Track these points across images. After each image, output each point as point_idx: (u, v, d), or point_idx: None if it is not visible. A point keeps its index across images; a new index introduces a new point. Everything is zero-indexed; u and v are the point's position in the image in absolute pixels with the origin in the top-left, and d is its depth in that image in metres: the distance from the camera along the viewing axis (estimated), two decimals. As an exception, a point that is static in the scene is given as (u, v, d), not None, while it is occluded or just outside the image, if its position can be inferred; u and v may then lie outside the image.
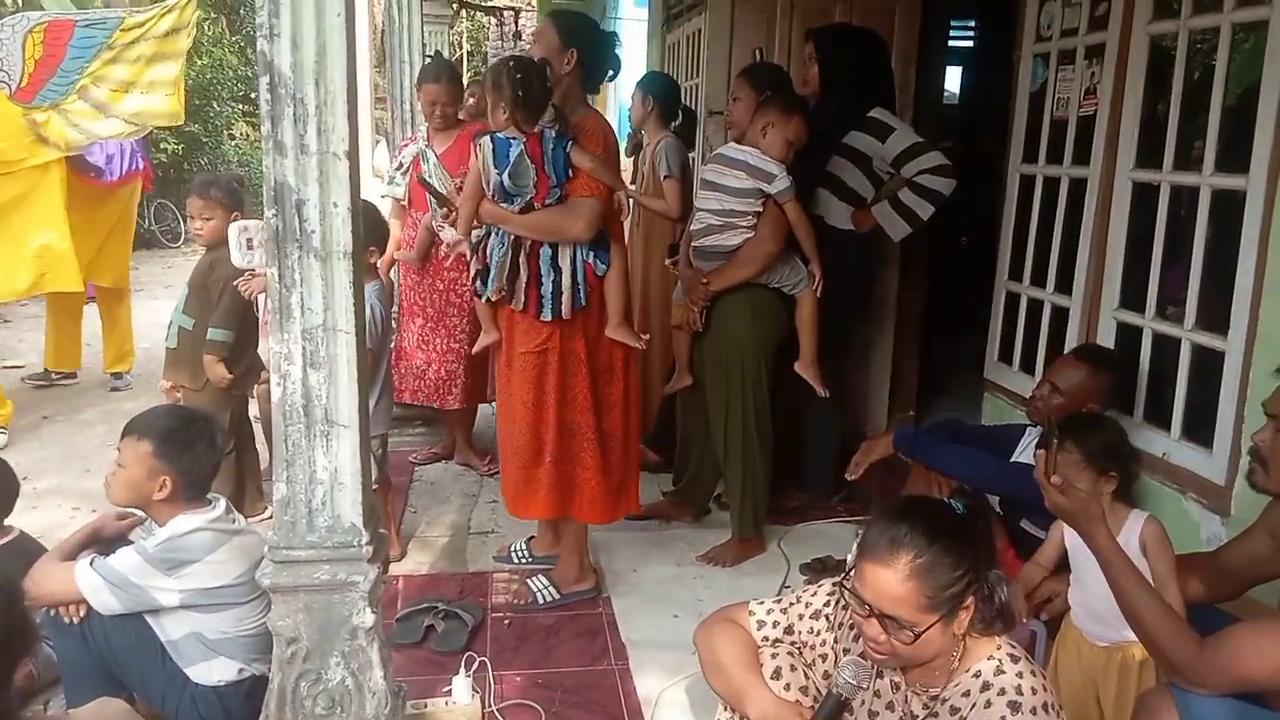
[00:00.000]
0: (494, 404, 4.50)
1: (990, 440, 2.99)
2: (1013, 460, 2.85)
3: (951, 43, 6.64)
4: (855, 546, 1.70)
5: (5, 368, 6.43)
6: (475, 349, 3.46)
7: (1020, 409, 3.42)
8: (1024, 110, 3.77)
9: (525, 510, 3.07)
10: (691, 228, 3.39)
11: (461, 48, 20.31)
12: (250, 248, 3.20)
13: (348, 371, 1.97)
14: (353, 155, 1.93)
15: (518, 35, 13.04)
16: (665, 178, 4.08)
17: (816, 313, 3.31)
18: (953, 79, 8.10)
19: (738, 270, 3.20)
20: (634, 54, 5.27)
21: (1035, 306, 3.69)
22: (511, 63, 2.76)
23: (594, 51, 2.93)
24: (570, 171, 2.75)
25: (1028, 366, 3.71)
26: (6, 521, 2.74)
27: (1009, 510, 2.85)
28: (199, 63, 13.17)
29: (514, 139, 2.73)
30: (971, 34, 7.86)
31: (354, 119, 1.94)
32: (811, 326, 3.31)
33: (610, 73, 3.03)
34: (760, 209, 3.17)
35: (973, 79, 8.15)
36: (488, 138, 2.79)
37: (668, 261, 3.90)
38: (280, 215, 1.90)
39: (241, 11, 15.38)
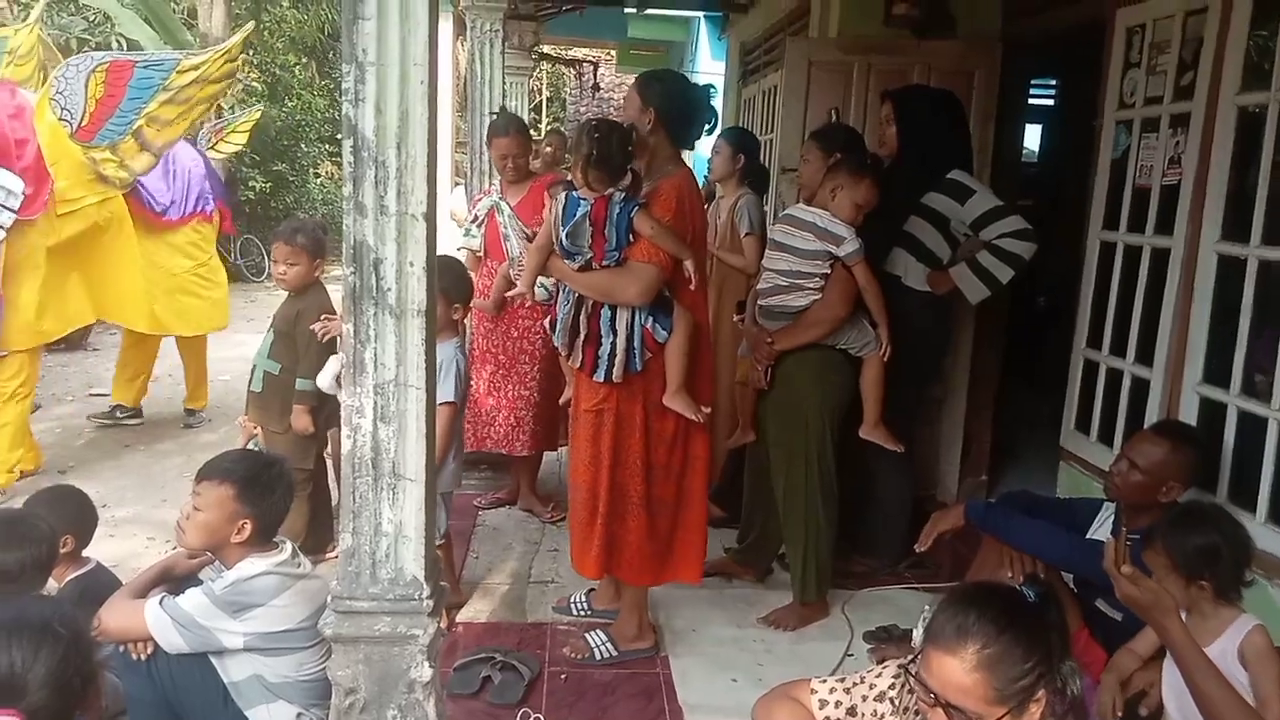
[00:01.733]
0: (560, 451, 4.56)
1: (1065, 514, 2.90)
2: (1088, 537, 2.76)
3: (1031, 100, 6.58)
4: (921, 627, 1.66)
5: (92, 395, 6.67)
6: (563, 400, 3.52)
7: (1097, 481, 3.31)
8: (1106, 177, 3.70)
9: (580, 565, 3.07)
10: (758, 286, 3.38)
11: (541, 93, 20.76)
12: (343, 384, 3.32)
13: (416, 427, 2.00)
14: (430, 216, 1.98)
15: (596, 87, 13.29)
16: (746, 234, 4.07)
17: (882, 376, 3.27)
18: (1032, 135, 8.01)
19: (803, 332, 3.19)
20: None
21: (1114, 376, 3.58)
22: (593, 124, 2.79)
23: (679, 109, 2.92)
24: (632, 236, 2.74)
25: (1106, 437, 3.60)
26: (85, 552, 2.82)
27: (1083, 588, 2.75)
28: (288, 104, 13.69)
29: (584, 199, 2.76)
30: (1052, 92, 7.77)
31: (433, 181, 1.99)
32: (876, 390, 3.27)
33: (707, 126, 3.03)
34: (828, 271, 3.15)
35: (1054, 136, 8.04)
36: (564, 194, 2.82)
37: (736, 318, 3.90)
38: (358, 273, 1.96)
39: (330, 56, 15.99)
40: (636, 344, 2.79)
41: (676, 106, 2.92)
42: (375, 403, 1.99)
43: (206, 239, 5.84)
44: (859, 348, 3.24)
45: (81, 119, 4.82)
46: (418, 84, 1.91)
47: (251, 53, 13.62)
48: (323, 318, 3.59)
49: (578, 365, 2.90)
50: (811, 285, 3.15)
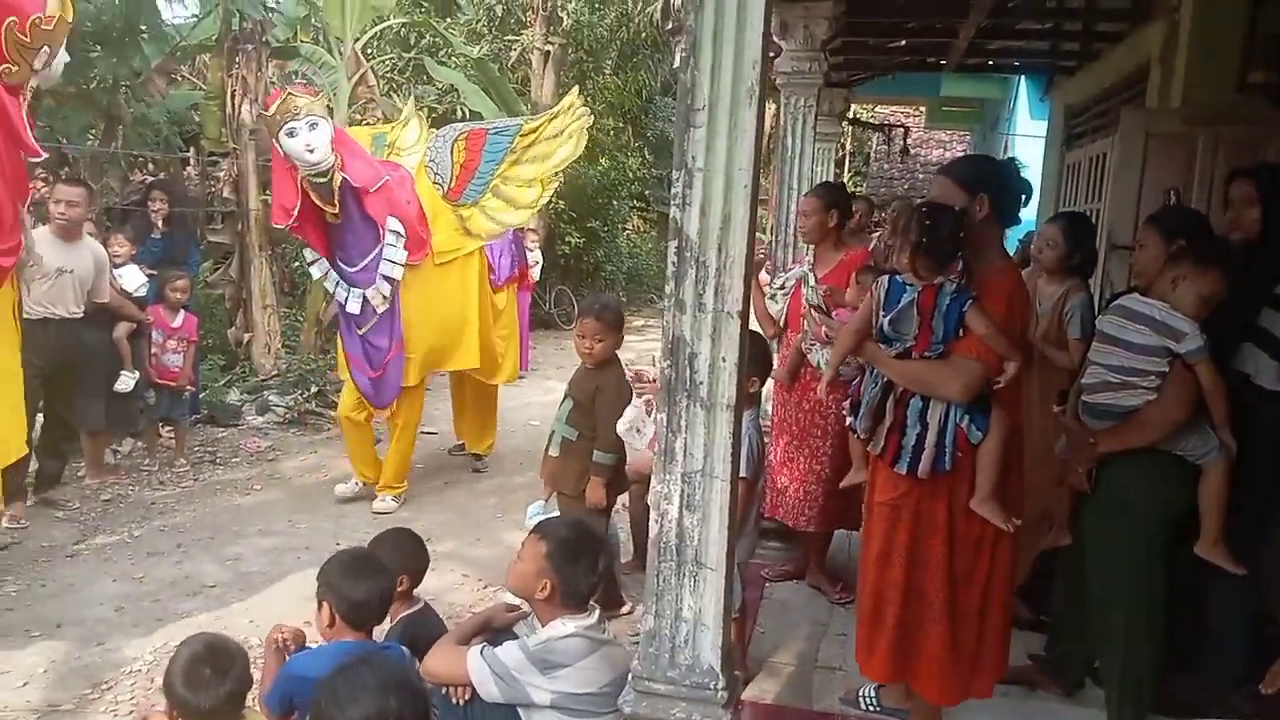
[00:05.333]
0: (854, 531, 4.46)
1: None
2: None
3: None
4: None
5: (423, 433, 7.37)
6: (844, 484, 3.45)
7: None
8: None
9: (865, 664, 2.95)
10: (1084, 381, 3.14)
11: (845, 148, 20.70)
12: (640, 431, 3.51)
13: (720, 517, 2.06)
14: (745, 314, 2.04)
15: (905, 151, 13.08)
16: (1075, 339, 3.79)
17: (1225, 488, 2.91)
18: None
19: (1134, 434, 2.91)
20: (1027, 175, 5.09)
21: None
22: (924, 209, 2.68)
23: (1012, 194, 2.81)
24: (961, 330, 2.63)
25: None
26: (415, 591, 3.11)
27: None
28: (602, 163, 14.60)
29: (910, 285, 2.68)
30: None
31: (749, 280, 2.06)
32: (1218, 503, 2.92)
33: (1024, 200, 2.89)
34: (1165, 369, 2.87)
35: None
36: (886, 277, 2.77)
37: (1056, 409, 3.65)
38: (674, 366, 2.06)
39: (643, 119, 16.93)
40: (948, 442, 2.66)
41: (1010, 191, 2.80)
42: (682, 491, 2.07)
43: (512, 300, 6.47)
44: (1199, 455, 2.91)
45: (450, 182, 5.62)
46: (741, 188, 2.00)
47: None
48: (634, 371, 3.79)
49: (878, 452, 2.83)
50: (1146, 384, 2.88)
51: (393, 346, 5.30)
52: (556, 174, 5.94)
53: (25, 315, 4.93)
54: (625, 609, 4.06)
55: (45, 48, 3.02)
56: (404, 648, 2.64)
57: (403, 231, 5.18)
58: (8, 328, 3.39)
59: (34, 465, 5.23)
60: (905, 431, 2.72)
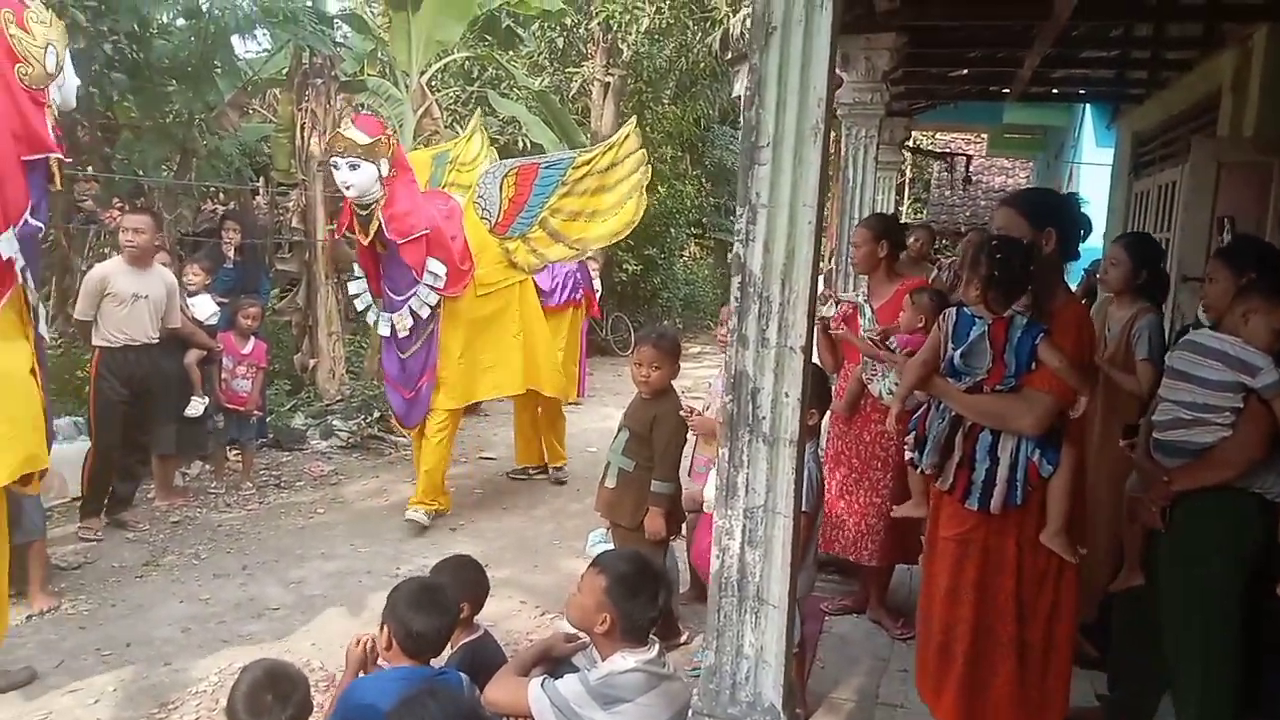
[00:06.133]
0: (914, 566, 4.39)
1: None
2: None
3: None
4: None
5: (482, 459, 7.46)
6: (897, 514, 3.40)
7: None
8: None
9: (933, 706, 2.90)
10: (1155, 418, 3.07)
11: (904, 174, 20.54)
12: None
13: (782, 554, 2.05)
14: (807, 349, 2.04)
15: (967, 180, 12.95)
16: (1142, 360, 3.72)
17: (1307, 527, 2.82)
18: None
19: (1209, 472, 2.83)
20: (1092, 203, 4.99)
21: None
22: (994, 241, 2.69)
23: (1071, 223, 2.80)
24: (1033, 364, 2.62)
25: None
26: (476, 619, 3.13)
27: None
28: (660, 191, 14.68)
29: (979, 317, 2.67)
30: None
31: (812, 315, 2.06)
32: (1299, 543, 2.83)
33: (1083, 235, 2.88)
34: (1240, 405, 2.80)
35: None
36: (953, 310, 2.77)
37: (1123, 443, 3.56)
38: (736, 401, 2.06)
39: (700, 147, 17.00)
40: (1019, 476, 2.64)
41: (1074, 225, 2.80)
42: (744, 526, 2.07)
43: (574, 324, 6.52)
44: (1277, 493, 2.83)
45: (498, 216, 5.70)
46: (805, 224, 2.00)
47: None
48: (686, 408, 3.79)
49: (946, 488, 2.80)
50: (1220, 420, 2.81)
51: (426, 371, 5.48)
52: (616, 235, 6.01)
53: (106, 343, 5.13)
54: (682, 639, 4.04)
55: (51, 46, 3.04)
56: (463, 674, 2.66)
57: (442, 274, 5.34)
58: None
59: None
60: (975, 466, 2.70)
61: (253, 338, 6.25)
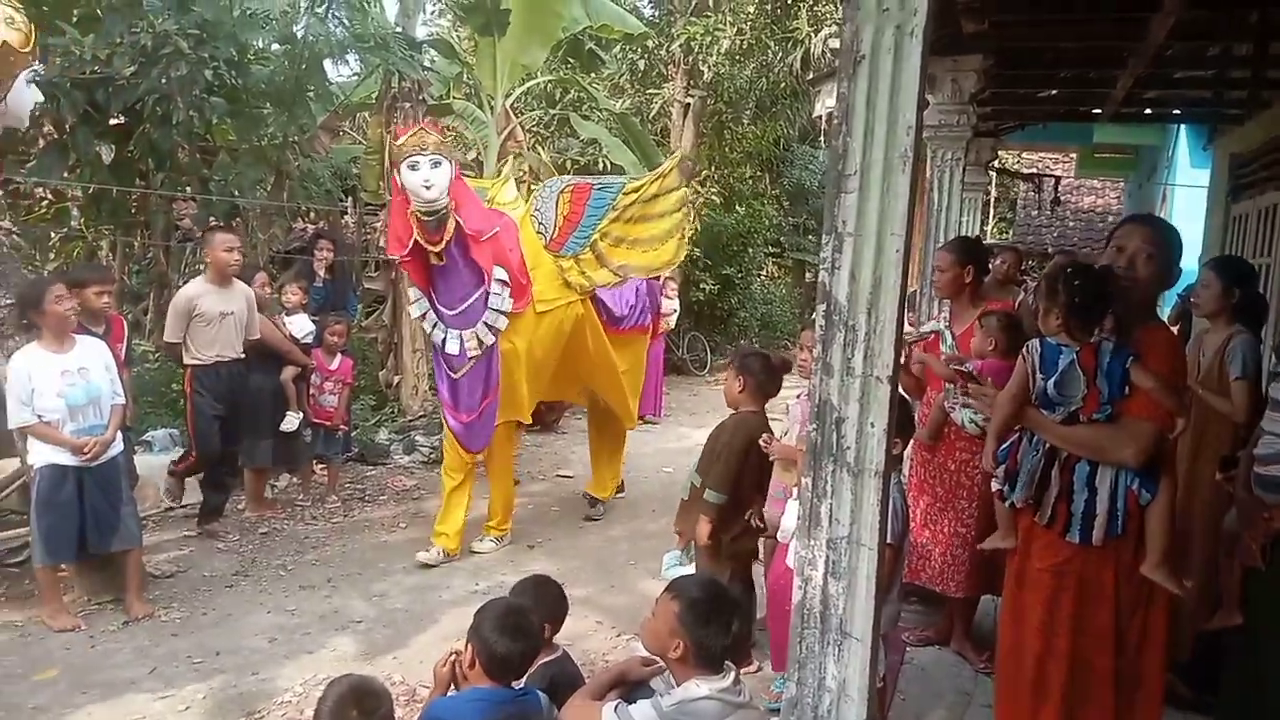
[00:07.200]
0: (998, 598, 4.28)
1: None
2: None
3: None
4: None
5: (559, 477, 7.52)
6: (984, 546, 3.32)
7: None
8: None
9: None
10: (1257, 451, 2.95)
11: (990, 193, 20.13)
12: None
13: (866, 586, 2.02)
14: (894, 380, 2.01)
15: (1056, 201, 12.63)
16: (1237, 379, 3.60)
17: None
18: None
19: (1316, 509, 2.72)
20: (1187, 226, 4.78)
21: None
22: (1069, 269, 2.68)
23: (1179, 255, 2.77)
24: (1126, 389, 2.57)
25: None
26: (555, 639, 3.14)
27: None
28: (738, 211, 14.66)
29: (1065, 346, 2.64)
30: None
31: (899, 344, 2.03)
32: None
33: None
34: (1350, 439, 2.68)
35: None
36: (1037, 341, 2.73)
37: (1219, 475, 3.43)
38: (820, 430, 2.04)
39: (779, 166, 16.93)
40: (1120, 506, 2.59)
41: (1179, 253, 2.75)
42: (827, 557, 2.04)
43: (639, 347, 6.47)
44: (1387, 534, 2.70)
45: (553, 233, 5.67)
46: (892, 253, 1.98)
47: (713, 167, 14.87)
48: (764, 437, 3.78)
49: (1044, 522, 2.73)
50: (1326, 456, 2.70)
51: (489, 392, 5.32)
52: (653, 271, 5.96)
53: (198, 362, 5.32)
54: (752, 668, 3.99)
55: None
56: (542, 693, 2.67)
57: (508, 280, 5.20)
58: None
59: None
60: (1073, 498, 2.65)
61: (340, 354, 6.42)
